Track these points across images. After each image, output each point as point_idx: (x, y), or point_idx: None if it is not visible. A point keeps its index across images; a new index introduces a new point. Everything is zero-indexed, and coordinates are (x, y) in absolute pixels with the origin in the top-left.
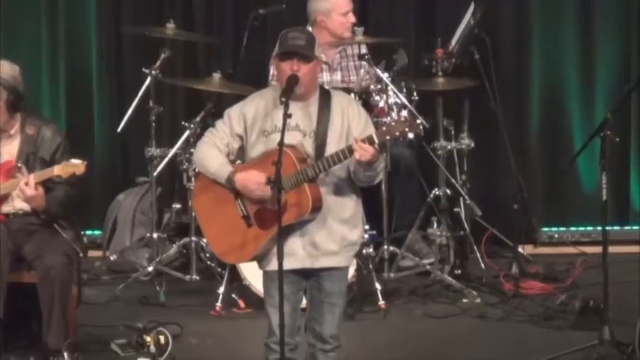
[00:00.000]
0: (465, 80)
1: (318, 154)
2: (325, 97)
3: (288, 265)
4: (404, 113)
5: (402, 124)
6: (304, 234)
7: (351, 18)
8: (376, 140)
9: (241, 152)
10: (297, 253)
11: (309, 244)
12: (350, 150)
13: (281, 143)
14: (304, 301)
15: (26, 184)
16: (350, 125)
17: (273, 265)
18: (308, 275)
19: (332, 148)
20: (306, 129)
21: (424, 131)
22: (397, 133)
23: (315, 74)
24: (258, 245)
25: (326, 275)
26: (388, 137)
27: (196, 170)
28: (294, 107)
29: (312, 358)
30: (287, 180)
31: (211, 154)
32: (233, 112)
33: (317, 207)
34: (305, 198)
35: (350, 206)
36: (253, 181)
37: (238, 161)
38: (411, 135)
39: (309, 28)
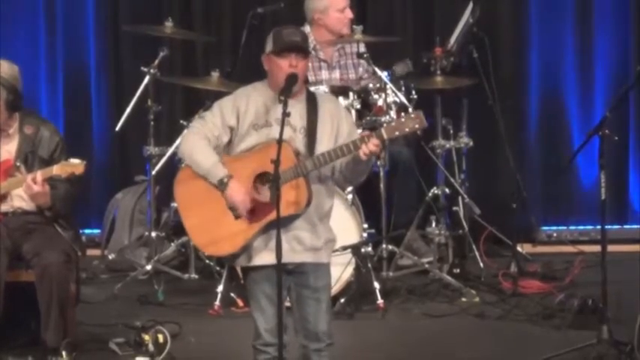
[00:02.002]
0: (464, 79)
1: (309, 150)
2: (311, 95)
3: (271, 259)
4: (411, 110)
5: (412, 120)
6: (288, 229)
7: (349, 14)
8: (385, 136)
9: (228, 146)
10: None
11: (293, 239)
12: (355, 145)
13: (279, 141)
14: (288, 299)
15: (33, 180)
16: (339, 126)
17: (257, 261)
18: (291, 272)
19: (322, 145)
20: (297, 124)
21: (423, 130)
22: (407, 130)
23: (307, 70)
24: (246, 237)
25: (311, 270)
26: (397, 133)
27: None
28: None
29: (305, 359)
30: (285, 173)
31: (203, 148)
32: (225, 105)
33: (310, 202)
34: (302, 192)
35: (328, 204)
36: (240, 200)
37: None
38: (419, 132)
39: (307, 27)
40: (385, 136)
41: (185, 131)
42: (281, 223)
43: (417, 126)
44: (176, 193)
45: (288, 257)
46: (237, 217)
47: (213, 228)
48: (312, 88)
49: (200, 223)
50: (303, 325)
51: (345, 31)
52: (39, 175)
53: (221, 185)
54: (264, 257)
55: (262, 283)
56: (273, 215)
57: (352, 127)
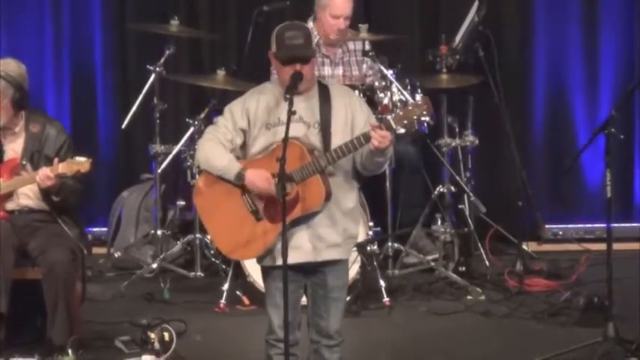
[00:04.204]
0: (469, 77)
1: (325, 144)
2: (324, 88)
3: (293, 259)
4: (418, 97)
5: (418, 107)
6: (310, 226)
7: (341, 24)
8: (394, 126)
9: (244, 149)
10: (303, 247)
11: (314, 237)
12: (366, 137)
13: (285, 140)
14: (304, 297)
15: (46, 174)
16: (354, 116)
17: (281, 261)
18: (309, 271)
19: (337, 138)
20: (310, 120)
21: (429, 128)
22: (414, 117)
23: (314, 67)
24: (269, 239)
25: (328, 270)
26: (406, 122)
27: (200, 168)
28: (296, 101)
29: (315, 354)
30: (299, 171)
31: (217, 150)
32: (235, 108)
33: (328, 198)
34: (318, 189)
35: (352, 198)
36: (263, 178)
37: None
38: (427, 118)
39: (310, 23)
40: (394, 125)
41: (191, 129)
42: (302, 221)
43: (424, 112)
44: (197, 204)
45: (310, 257)
46: (258, 219)
47: (236, 233)
48: None
49: (223, 229)
50: (316, 321)
51: (332, 37)
52: (49, 170)
53: (239, 179)
54: (290, 257)
55: (280, 280)
56: (293, 214)
57: (369, 116)
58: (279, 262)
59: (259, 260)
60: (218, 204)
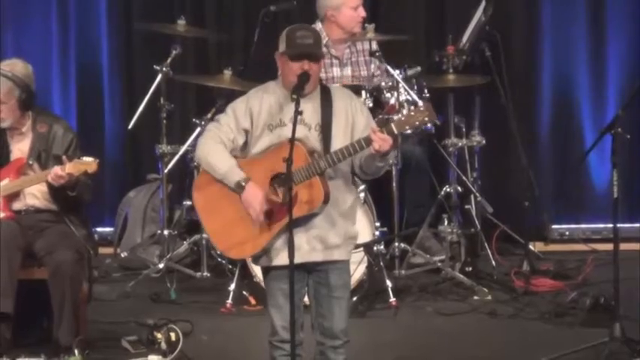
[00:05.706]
0: (476, 77)
1: (325, 147)
2: (325, 91)
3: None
4: (421, 103)
5: (421, 113)
6: (309, 228)
7: (362, 12)
8: (395, 131)
9: (244, 149)
10: (301, 248)
11: (313, 238)
12: (367, 141)
13: (292, 139)
14: (306, 297)
15: (57, 173)
16: (354, 119)
17: (278, 261)
18: (311, 271)
19: (338, 140)
20: (311, 122)
21: (435, 128)
22: (417, 123)
23: (321, 69)
24: (267, 239)
25: (330, 269)
26: (408, 127)
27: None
28: (300, 102)
29: (321, 356)
30: (298, 172)
31: (219, 152)
32: (238, 107)
33: (327, 200)
34: (317, 191)
35: (349, 200)
36: (257, 202)
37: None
38: (429, 124)
39: (319, 24)
40: (395, 130)
41: (198, 129)
42: (300, 223)
43: (426, 119)
44: (195, 199)
45: (308, 257)
46: None
47: (234, 231)
48: None
49: (221, 227)
50: (320, 322)
51: (356, 30)
52: (59, 169)
53: (239, 188)
54: (286, 257)
55: (281, 281)
56: (293, 215)
57: (369, 120)
58: (275, 262)
59: (255, 260)
60: (216, 201)
